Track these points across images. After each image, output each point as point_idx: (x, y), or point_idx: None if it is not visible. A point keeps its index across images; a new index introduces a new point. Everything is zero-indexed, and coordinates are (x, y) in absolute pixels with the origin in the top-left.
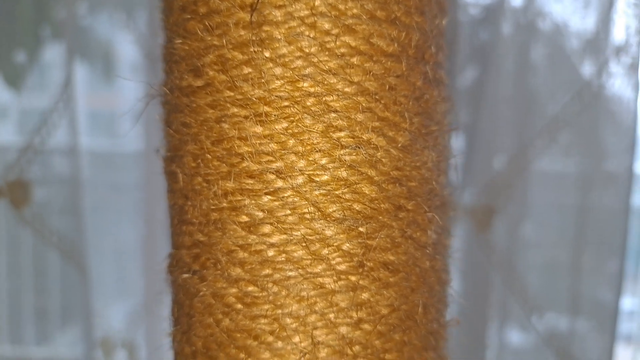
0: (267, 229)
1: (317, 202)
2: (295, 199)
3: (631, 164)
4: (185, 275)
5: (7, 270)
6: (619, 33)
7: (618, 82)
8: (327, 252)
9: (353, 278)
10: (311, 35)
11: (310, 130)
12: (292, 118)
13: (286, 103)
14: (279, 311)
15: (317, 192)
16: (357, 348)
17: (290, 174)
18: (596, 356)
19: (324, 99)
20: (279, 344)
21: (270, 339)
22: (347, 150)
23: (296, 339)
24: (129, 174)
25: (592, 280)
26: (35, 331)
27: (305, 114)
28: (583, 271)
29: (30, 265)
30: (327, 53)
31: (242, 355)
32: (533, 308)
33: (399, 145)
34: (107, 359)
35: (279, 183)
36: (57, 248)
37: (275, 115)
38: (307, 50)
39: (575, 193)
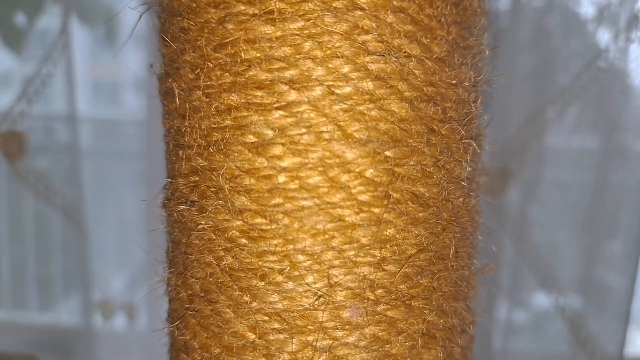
0: (277, 150)
1: (337, 119)
2: (312, 115)
3: None
4: (182, 207)
5: (8, 233)
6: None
7: (635, 55)
8: (348, 179)
9: (377, 210)
10: None
11: (330, 31)
12: (309, 16)
13: None
14: (290, 247)
15: (337, 107)
16: (379, 292)
17: (306, 84)
18: (607, 334)
19: None
20: (290, 284)
21: (279, 278)
22: (374, 57)
23: (309, 279)
24: (131, 143)
25: (604, 257)
26: (38, 296)
27: (326, 11)
28: (595, 247)
29: (32, 230)
30: None
31: (246, 299)
32: (546, 276)
33: (435, 56)
34: (106, 321)
35: (293, 95)
36: (54, 204)
37: (289, 12)
38: None
39: (589, 167)
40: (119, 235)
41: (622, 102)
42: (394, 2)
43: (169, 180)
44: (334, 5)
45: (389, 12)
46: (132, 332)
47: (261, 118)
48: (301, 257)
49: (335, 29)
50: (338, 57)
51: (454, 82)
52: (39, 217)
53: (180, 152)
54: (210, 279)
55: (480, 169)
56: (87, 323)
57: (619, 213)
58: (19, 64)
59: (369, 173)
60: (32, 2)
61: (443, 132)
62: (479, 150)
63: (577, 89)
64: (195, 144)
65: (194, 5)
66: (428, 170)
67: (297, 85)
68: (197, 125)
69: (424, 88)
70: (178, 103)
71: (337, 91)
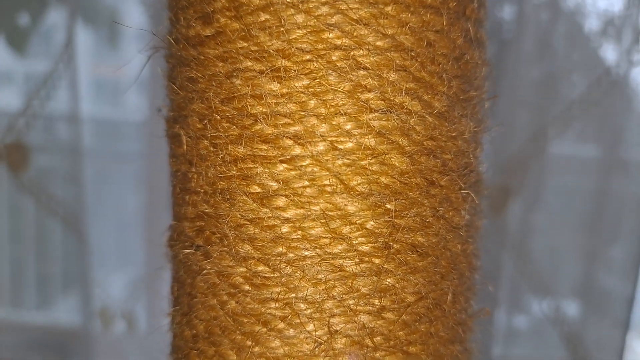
0: (281, 201)
1: (339, 173)
2: (315, 169)
3: None
4: (187, 251)
5: (8, 234)
6: None
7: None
8: (349, 230)
9: (377, 261)
10: None
11: (334, 90)
12: (314, 74)
13: (308, 57)
14: (292, 295)
15: (339, 162)
16: (378, 339)
17: (310, 139)
18: (608, 344)
19: (352, 53)
20: (291, 331)
21: (281, 325)
22: (376, 114)
23: (310, 326)
24: (132, 143)
25: (605, 267)
26: (36, 296)
27: (330, 71)
28: (597, 258)
29: (32, 230)
30: None
31: (248, 343)
32: (545, 294)
33: (435, 111)
34: (106, 329)
35: (297, 150)
36: (56, 215)
37: (295, 70)
38: None
39: (592, 179)
40: (119, 238)
41: (625, 117)
42: (397, 61)
43: (175, 222)
44: (338, 64)
45: (391, 71)
46: (131, 335)
47: (266, 170)
48: (302, 305)
49: (339, 87)
50: (341, 114)
51: (453, 134)
52: (39, 216)
53: (187, 197)
54: (215, 322)
55: (479, 213)
56: (85, 326)
57: (621, 223)
58: (23, 64)
59: (370, 225)
60: (37, 3)
61: (442, 184)
62: (477, 201)
63: (579, 111)
64: (202, 190)
65: (202, 57)
66: (427, 220)
67: (302, 141)
68: (203, 172)
69: (425, 142)
70: (185, 149)
71: (340, 146)
